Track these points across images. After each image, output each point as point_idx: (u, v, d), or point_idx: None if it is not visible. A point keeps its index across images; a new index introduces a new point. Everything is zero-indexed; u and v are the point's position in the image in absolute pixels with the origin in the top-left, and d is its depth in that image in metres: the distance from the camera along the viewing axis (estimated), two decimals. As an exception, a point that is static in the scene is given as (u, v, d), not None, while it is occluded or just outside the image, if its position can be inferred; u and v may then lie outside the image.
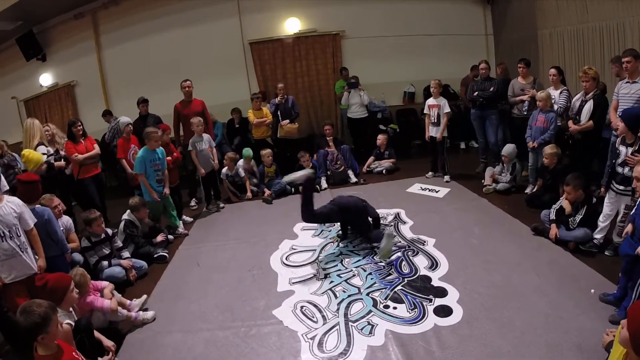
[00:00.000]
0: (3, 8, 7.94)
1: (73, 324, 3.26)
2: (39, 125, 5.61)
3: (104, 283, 4.27)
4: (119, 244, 5.15)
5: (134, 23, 9.44)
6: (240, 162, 7.55)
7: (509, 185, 6.34)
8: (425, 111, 7.35)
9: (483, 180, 6.70)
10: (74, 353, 2.79)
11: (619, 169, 4.10)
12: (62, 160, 6.05)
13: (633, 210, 3.64)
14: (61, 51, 9.73)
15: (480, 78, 7.10)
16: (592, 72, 5.26)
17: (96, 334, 3.48)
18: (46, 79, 9.93)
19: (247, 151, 7.76)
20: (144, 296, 4.51)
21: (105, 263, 4.85)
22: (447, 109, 6.99)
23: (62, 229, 4.59)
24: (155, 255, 5.44)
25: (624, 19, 6.32)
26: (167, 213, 6.20)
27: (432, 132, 7.17)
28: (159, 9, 9.36)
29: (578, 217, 4.54)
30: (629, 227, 3.54)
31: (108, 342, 3.51)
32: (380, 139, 8.25)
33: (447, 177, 7.23)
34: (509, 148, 6.44)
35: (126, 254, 5.12)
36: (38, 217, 3.90)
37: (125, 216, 5.55)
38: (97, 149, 6.37)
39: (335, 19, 9.60)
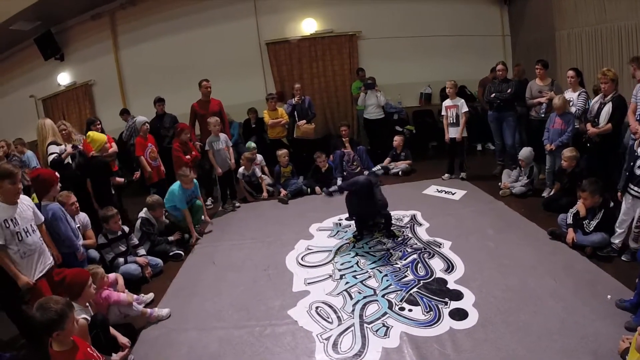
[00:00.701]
0: (22, 8, 8.05)
1: (89, 318, 3.30)
2: (50, 124, 5.66)
3: (113, 275, 4.32)
4: (135, 241, 5.21)
5: (151, 23, 9.53)
6: (259, 157, 7.63)
7: (526, 188, 6.28)
8: (442, 113, 7.33)
9: (500, 183, 6.65)
10: (88, 349, 2.82)
11: (638, 172, 4.03)
12: (79, 156, 6.08)
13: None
14: (79, 51, 9.86)
15: (497, 79, 7.04)
16: (611, 73, 5.18)
17: (112, 330, 3.52)
18: (64, 78, 10.08)
19: (250, 144, 7.91)
20: (151, 294, 4.60)
21: (122, 260, 4.90)
22: (465, 109, 7.00)
23: (78, 225, 4.64)
24: (171, 253, 5.49)
25: (642, 20, 6.26)
26: (195, 219, 6.25)
27: (452, 133, 7.16)
28: (176, 9, 9.43)
29: (595, 222, 4.48)
30: (647, 234, 3.51)
31: (123, 339, 3.56)
32: (397, 140, 8.23)
33: (463, 174, 7.26)
34: (525, 152, 6.37)
35: (142, 251, 5.18)
36: (44, 214, 3.95)
37: (141, 214, 5.61)
38: (114, 148, 6.43)
39: (351, 19, 9.61)
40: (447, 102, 7.18)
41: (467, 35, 9.70)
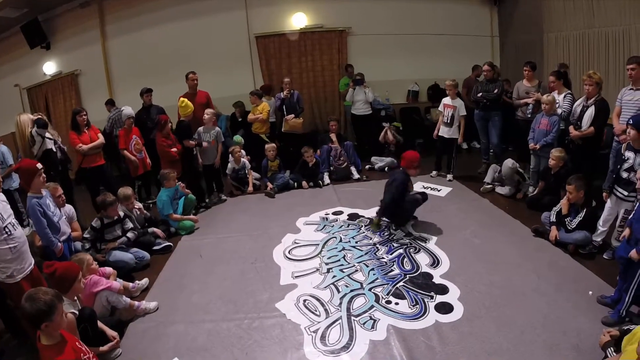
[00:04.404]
0: (10, -6, 7.93)
1: (77, 312, 3.28)
2: (27, 118, 5.64)
3: (109, 269, 4.30)
4: (130, 225, 5.21)
5: (139, 13, 9.43)
6: (243, 152, 7.63)
7: (512, 192, 6.35)
8: (439, 109, 7.37)
9: (485, 179, 6.71)
10: (77, 343, 2.80)
11: (625, 174, 4.12)
12: (59, 151, 6.08)
13: (631, 215, 3.69)
14: (66, 40, 9.70)
15: (484, 79, 7.11)
16: (596, 77, 5.23)
17: (99, 323, 3.51)
18: (50, 68, 9.91)
19: (237, 137, 7.93)
20: (146, 279, 4.64)
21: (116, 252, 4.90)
22: (464, 112, 6.99)
23: (64, 217, 4.61)
24: (161, 246, 5.46)
25: (629, 26, 6.35)
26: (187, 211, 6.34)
27: (443, 132, 7.18)
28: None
29: (577, 220, 4.58)
30: (626, 232, 3.61)
31: (111, 332, 3.55)
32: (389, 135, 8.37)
33: (450, 176, 7.29)
34: (506, 169, 6.31)
35: (131, 234, 5.15)
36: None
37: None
38: (101, 139, 6.35)
39: (342, 15, 9.63)
40: (447, 101, 7.16)
41: (456, 35, 9.78)
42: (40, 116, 5.92)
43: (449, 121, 7.09)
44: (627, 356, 2.42)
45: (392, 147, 8.39)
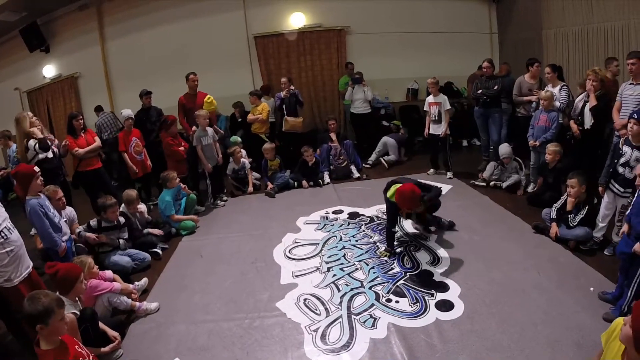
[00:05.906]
0: (9, -1, 7.94)
1: (78, 313, 3.28)
2: (22, 127, 5.62)
3: (108, 273, 4.28)
4: (125, 235, 5.19)
5: (138, 15, 9.45)
6: (244, 152, 7.62)
7: (515, 180, 6.35)
8: (425, 109, 7.37)
9: (481, 174, 6.75)
10: (77, 347, 2.78)
11: (620, 169, 4.11)
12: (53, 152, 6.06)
13: (628, 210, 3.67)
14: (65, 43, 9.73)
15: (484, 76, 7.10)
16: (602, 73, 5.26)
17: (100, 324, 3.50)
18: (49, 71, 9.94)
19: (235, 138, 7.96)
20: (145, 279, 4.65)
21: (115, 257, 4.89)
22: (448, 106, 7.03)
23: (65, 219, 4.62)
24: (152, 250, 5.37)
25: (628, 20, 6.35)
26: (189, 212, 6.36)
27: (434, 130, 7.19)
28: (164, 1, 9.36)
29: (579, 216, 4.56)
30: (625, 227, 3.57)
31: (113, 333, 3.55)
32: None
33: (449, 174, 7.26)
34: (504, 148, 6.41)
35: (122, 242, 5.10)
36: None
37: (121, 209, 5.56)
38: (98, 142, 6.35)
39: (340, 14, 9.64)
40: (430, 99, 7.18)
41: (455, 32, 9.78)
42: (43, 137, 5.80)
43: (437, 118, 7.11)
44: (611, 353, 2.38)
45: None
